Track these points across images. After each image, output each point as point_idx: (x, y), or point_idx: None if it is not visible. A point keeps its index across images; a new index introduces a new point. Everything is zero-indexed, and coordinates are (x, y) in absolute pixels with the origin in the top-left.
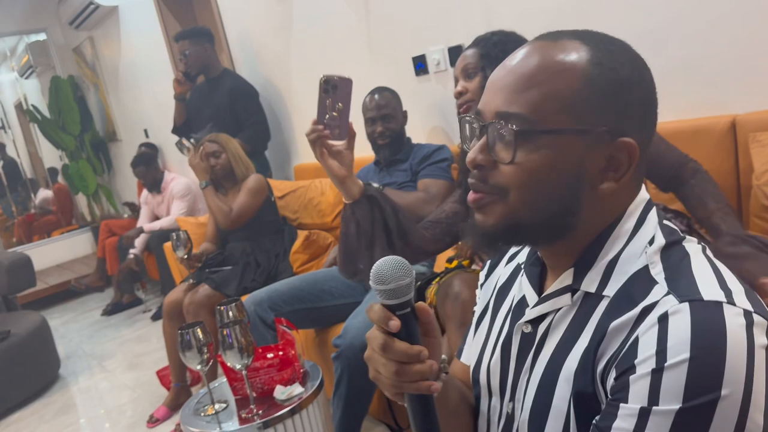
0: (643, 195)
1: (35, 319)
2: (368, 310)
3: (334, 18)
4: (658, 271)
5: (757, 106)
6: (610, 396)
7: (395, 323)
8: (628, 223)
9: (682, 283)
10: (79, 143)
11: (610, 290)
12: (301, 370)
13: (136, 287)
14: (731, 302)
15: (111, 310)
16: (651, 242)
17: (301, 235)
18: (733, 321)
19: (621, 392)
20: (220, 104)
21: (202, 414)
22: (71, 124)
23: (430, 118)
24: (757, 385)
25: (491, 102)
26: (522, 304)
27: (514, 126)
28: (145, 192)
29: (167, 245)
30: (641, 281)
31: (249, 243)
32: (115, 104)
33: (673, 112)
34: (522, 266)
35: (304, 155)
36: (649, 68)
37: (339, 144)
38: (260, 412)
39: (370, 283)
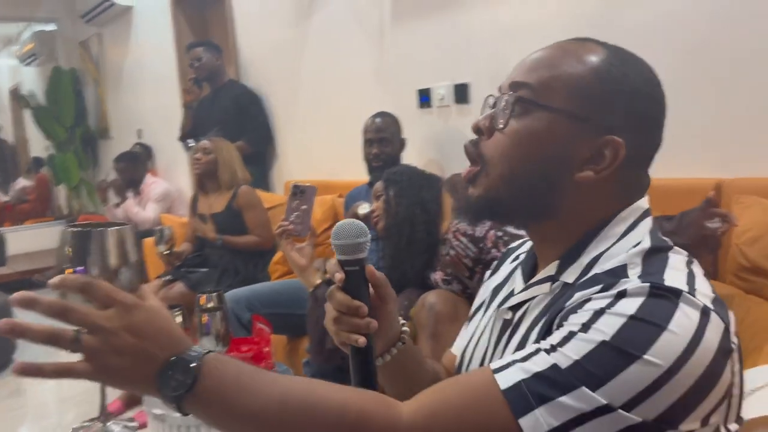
0: (642, 204)
1: None
2: (327, 263)
3: (348, 44)
4: (635, 272)
5: (743, 173)
6: None
7: (339, 275)
8: (619, 226)
9: (650, 277)
10: (69, 135)
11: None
12: (273, 369)
13: None
14: (692, 294)
15: None
16: (637, 246)
17: None
18: (687, 309)
19: (558, 327)
20: (227, 109)
21: None
22: (65, 115)
23: (428, 150)
24: (685, 375)
25: (510, 78)
26: (510, 294)
27: (513, 93)
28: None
29: (148, 240)
30: (615, 275)
31: (227, 250)
32: (112, 102)
33: (660, 170)
34: (520, 262)
35: (297, 172)
36: (663, 95)
37: (302, 241)
38: None
39: (331, 239)
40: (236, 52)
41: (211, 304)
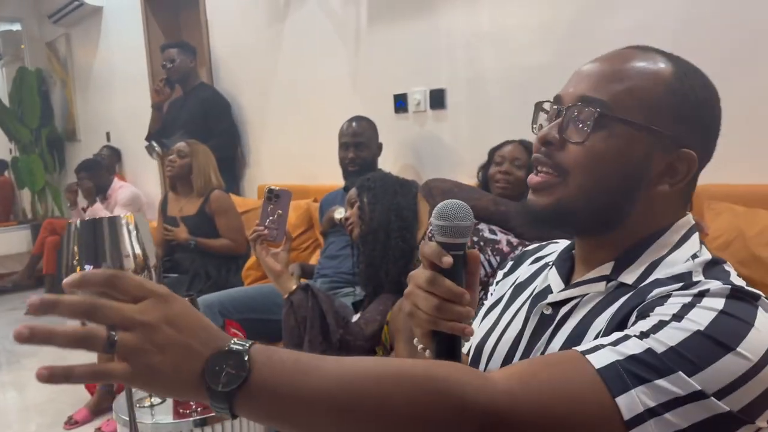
0: (689, 219)
1: None
2: (422, 246)
3: (323, 48)
4: (699, 280)
5: (714, 180)
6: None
7: (448, 259)
8: (673, 236)
9: (726, 281)
10: (34, 137)
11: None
12: None
13: None
14: None
15: None
16: (694, 257)
17: None
18: (766, 312)
19: (641, 317)
20: (193, 112)
21: (138, 405)
22: (30, 116)
23: (403, 155)
24: None
25: (575, 88)
26: (545, 291)
27: (598, 109)
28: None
29: None
30: (681, 279)
31: (198, 254)
32: (80, 104)
33: None
34: (550, 263)
35: (271, 176)
36: (720, 108)
37: (278, 246)
38: (199, 409)
39: (432, 219)
40: (209, 55)
41: None
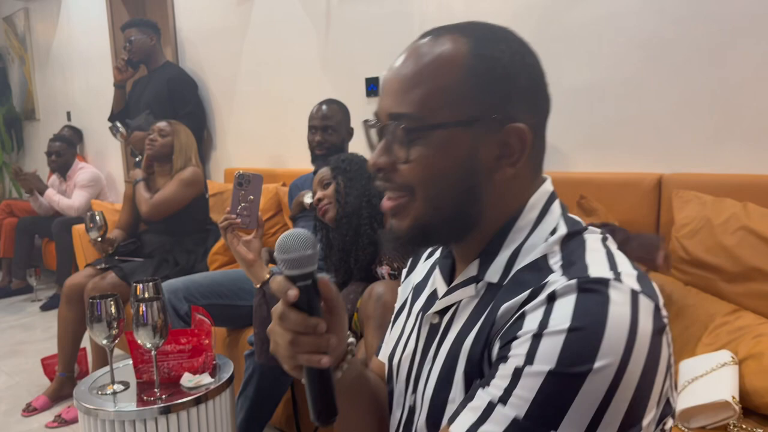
0: (547, 187)
1: None
2: (272, 281)
3: (293, 27)
4: (555, 261)
5: (682, 169)
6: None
7: (293, 292)
8: (531, 214)
9: (574, 268)
10: None
11: None
12: (213, 362)
13: (28, 273)
14: (618, 280)
15: None
16: (553, 233)
17: None
18: (618, 298)
19: (502, 357)
20: (159, 93)
21: (99, 393)
22: None
23: None
24: (634, 364)
25: (383, 105)
26: (433, 296)
27: (403, 125)
28: (53, 176)
29: (78, 227)
30: (538, 269)
31: (169, 238)
32: (39, 82)
33: (604, 164)
34: (437, 261)
35: (238, 159)
36: (534, 53)
37: (249, 234)
38: (163, 396)
39: (275, 254)
40: (175, 34)
41: (147, 294)
